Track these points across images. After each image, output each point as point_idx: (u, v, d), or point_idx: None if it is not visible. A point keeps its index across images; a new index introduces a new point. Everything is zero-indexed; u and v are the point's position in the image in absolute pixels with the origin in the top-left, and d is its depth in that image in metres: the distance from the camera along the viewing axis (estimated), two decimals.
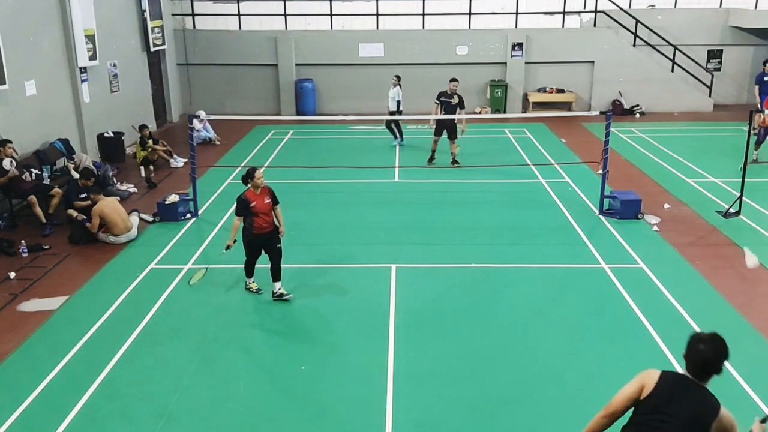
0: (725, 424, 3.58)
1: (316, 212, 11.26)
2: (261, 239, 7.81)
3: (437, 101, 13.97)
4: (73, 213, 10.46)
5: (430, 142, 14.38)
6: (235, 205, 7.83)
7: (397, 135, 16.18)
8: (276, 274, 7.95)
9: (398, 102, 15.59)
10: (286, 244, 9.66)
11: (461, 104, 13.79)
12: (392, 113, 15.72)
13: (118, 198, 11.18)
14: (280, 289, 7.95)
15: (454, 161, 14.13)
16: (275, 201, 7.88)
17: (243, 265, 8.09)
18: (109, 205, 9.85)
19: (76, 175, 11.23)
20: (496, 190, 12.56)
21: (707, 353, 3.53)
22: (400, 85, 15.61)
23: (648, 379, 3.67)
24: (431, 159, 14.31)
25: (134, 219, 10.30)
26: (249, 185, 7.77)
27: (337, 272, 8.82)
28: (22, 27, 12.12)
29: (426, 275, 8.70)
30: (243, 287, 8.32)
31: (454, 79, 13.91)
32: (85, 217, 10.14)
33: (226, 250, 7.85)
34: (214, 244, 9.94)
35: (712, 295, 8.08)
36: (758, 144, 13.95)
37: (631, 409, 3.76)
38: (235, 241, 7.84)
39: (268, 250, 7.92)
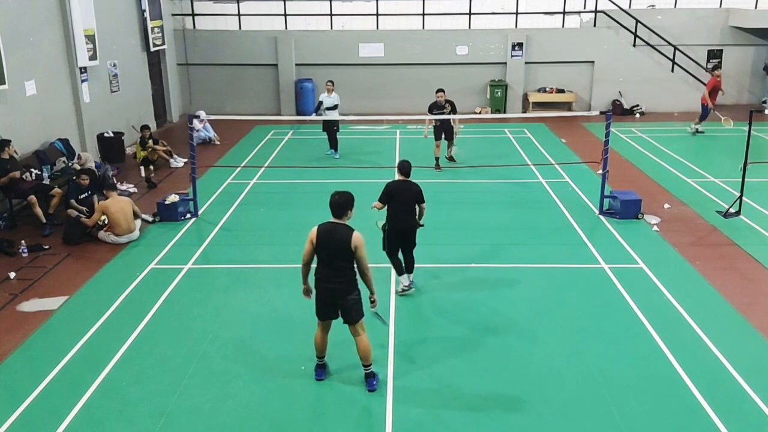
0: (357, 243, 5.79)
1: (316, 212, 11.13)
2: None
3: (430, 114, 13.68)
4: (74, 213, 10.46)
5: (428, 142, 14.33)
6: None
7: (335, 146, 15.12)
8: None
9: (336, 106, 14.73)
10: (286, 245, 9.71)
11: (454, 111, 13.62)
12: (335, 121, 14.80)
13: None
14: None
15: (451, 158, 14.28)
16: None
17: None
18: (115, 204, 9.83)
19: None
20: (496, 190, 12.55)
21: (340, 199, 5.89)
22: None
23: (312, 235, 5.91)
24: (437, 166, 13.90)
25: (138, 222, 10.29)
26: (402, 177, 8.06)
27: None
28: (22, 27, 12.12)
29: (426, 275, 8.69)
30: (242, 287, 8.34)
31: (440, 90, 13.44)
32: (83, 210, 10.25)
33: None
34: (214, 244, 9.95)
35: (712, 295, 8.07)
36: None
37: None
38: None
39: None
